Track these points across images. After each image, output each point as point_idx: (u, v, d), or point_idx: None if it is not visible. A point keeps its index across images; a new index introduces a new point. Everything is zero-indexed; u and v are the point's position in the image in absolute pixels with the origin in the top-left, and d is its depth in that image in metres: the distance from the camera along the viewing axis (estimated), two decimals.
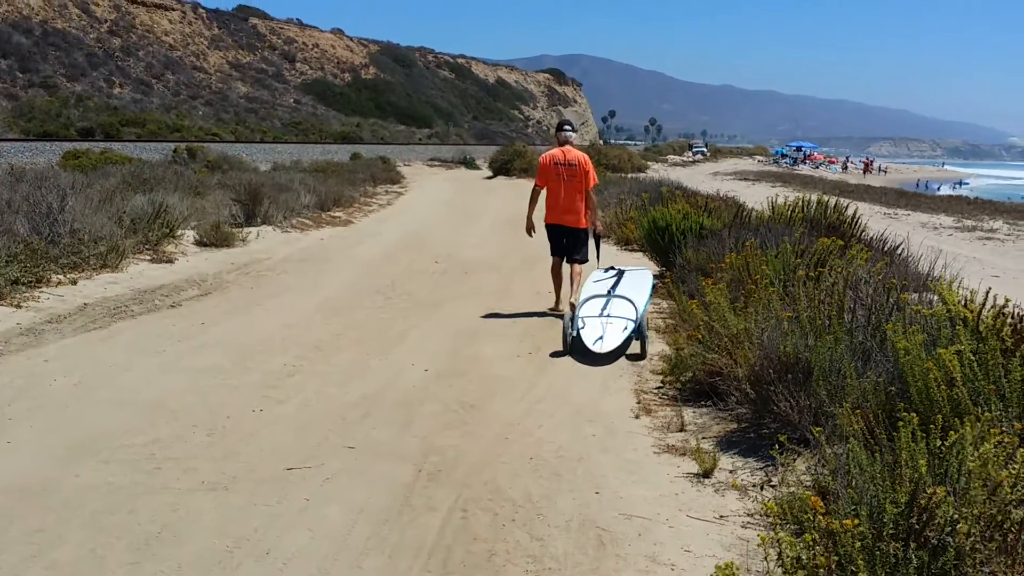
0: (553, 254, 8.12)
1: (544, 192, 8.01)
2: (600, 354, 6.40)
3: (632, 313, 6.70)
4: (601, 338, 6.45)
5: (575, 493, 3.99)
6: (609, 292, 7.14)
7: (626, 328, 6.57)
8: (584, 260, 8.06)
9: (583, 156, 8.01)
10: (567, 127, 8.23)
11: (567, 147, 8.00)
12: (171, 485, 3.96)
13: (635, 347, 6.70)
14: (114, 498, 3.81)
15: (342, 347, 6.67)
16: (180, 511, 3.70)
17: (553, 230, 8.03)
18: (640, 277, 7.70)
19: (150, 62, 64.29)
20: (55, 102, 42.76)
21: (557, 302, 8.23)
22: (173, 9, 72.62)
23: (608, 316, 6.74)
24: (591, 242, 8.18)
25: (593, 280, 7.65)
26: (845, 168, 75.36)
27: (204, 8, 76.77)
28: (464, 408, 5.23)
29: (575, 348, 6.61)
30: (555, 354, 6.65)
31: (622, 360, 6.44)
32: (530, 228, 8.20)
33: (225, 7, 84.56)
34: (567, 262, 8.03)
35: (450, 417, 5.06)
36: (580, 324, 6.67)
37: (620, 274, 7.70)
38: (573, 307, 7.20)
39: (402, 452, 4.46)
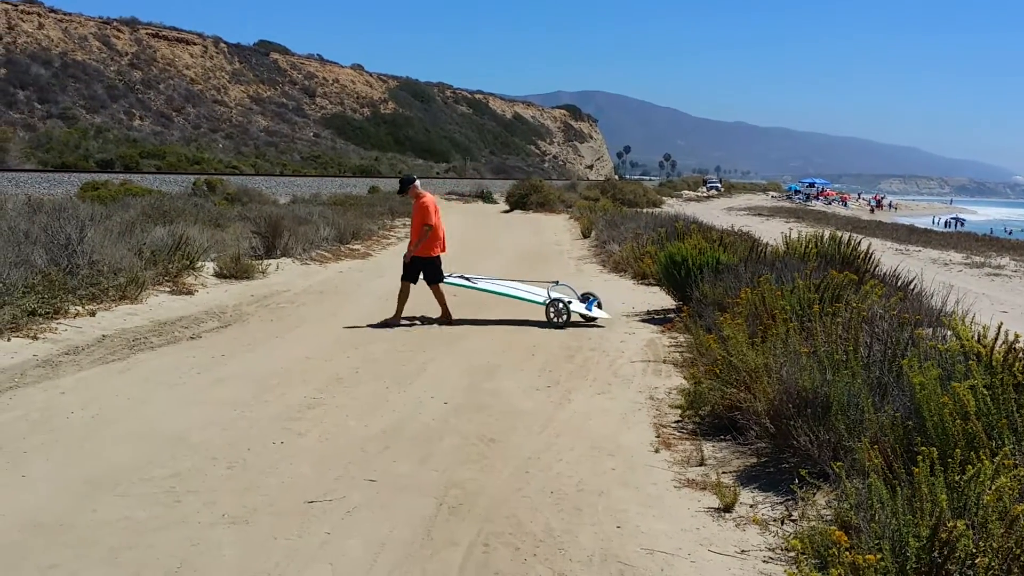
0: (414, 280, 9.26)
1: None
2: (589, 318, 9.41)
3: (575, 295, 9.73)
4: (589, 308, 9.42)
5: (596, 527, 3.98)
6: (556, 283, 10.02)
7: (597, 302, 9.61)
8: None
9: None
10: (416, 179, 9.55)
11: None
12: (191, 519, 3.95)
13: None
14: (132, 533, 3.79)
15: (361, 380, 6.69)
16: (200, 545, 3.68)
17: (436, 260, 9.35)
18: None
19: (171, 95, 65.28)
20: (74, 133, 43.07)
21: (397, 315, 9.18)
22: (195, 43, 73.90)
23: (582, 298, 9.60)
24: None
25: (481, 283, 9.83)
26: (844, 204, 75.13)
27: (226, 43, 78.09)
28: (484, 442, 5.23)
29: (564, 324, 9.16)
30: (539, 324, 9.20)
31: (640, 395, 6.43)
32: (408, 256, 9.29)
33: (246, 42, 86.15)
34: (414, 282, 9.28)
35: (470, 451, 5.06)
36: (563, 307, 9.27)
37: (478, 279, 10.02)
38: (443, 304, 9.34)
39: (423, 485, 4.46)
